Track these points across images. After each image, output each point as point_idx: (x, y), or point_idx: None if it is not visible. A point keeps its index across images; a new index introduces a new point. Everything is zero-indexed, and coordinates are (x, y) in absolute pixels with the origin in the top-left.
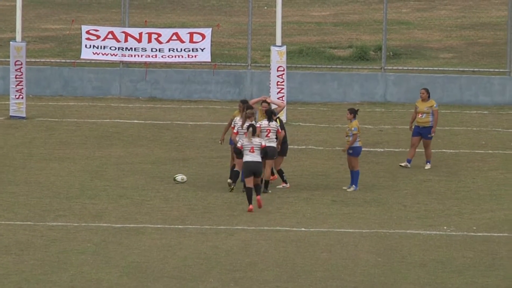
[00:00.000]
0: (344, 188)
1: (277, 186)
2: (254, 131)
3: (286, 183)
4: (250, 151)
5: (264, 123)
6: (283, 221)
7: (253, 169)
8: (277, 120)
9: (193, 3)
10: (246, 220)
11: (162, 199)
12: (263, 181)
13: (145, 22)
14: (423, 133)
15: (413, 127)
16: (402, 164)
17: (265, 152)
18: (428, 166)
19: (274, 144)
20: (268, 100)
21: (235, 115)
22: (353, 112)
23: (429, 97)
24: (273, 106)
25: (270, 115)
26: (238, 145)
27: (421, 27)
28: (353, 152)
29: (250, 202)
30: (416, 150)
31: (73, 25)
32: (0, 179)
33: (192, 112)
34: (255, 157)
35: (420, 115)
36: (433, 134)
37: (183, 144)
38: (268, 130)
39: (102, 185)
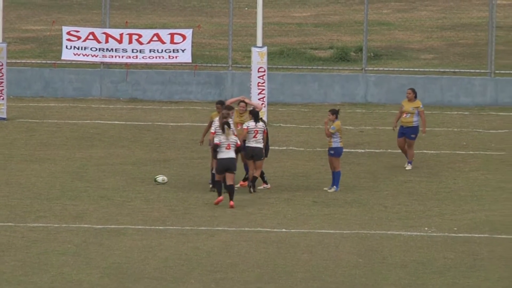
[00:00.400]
0: (325, 189)
1: (258, 187)
2: (228, 128)
3: (266, 183)
4: (226, 148)
5: (251, 124)
6: (264, 222)
7: (226, 166)
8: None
9: (173, 4)
10: (227, 221)
11: (143, 200)
12: (253, 178)
13: (125, 23)
14: (406, 133)
15: (397, 126)
16: (407, 167)
17: (247, 154)
18: (409, 167)
19: (261, 145)
20: (246, 101)
21: (213, 116)
22: (335, 113)
23: (415, 97)
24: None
25: (257, 115)
26: (216, 141)
27: (401, 28)
28: (335, 152)
29: (219, 194)
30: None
31: (53, 26)
32: None
33: (173, 113)
34: (230, 153)
35: (405, 115)
36: (424, 134)
37: (164, 145)
38: (255, 131)
39: (83, 186)
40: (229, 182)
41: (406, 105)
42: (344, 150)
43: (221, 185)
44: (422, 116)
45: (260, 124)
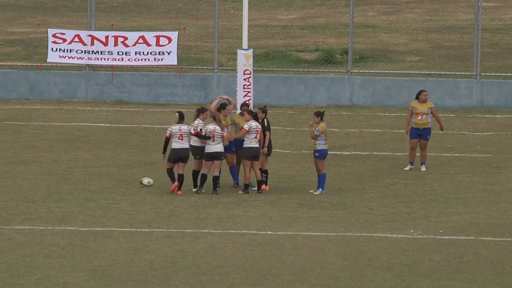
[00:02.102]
0: (310, 191)
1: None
2: (181, 118)
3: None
4: (179, 139)
5: (253, 124)
6: (250, 225)
7: (180, 156)
8: (265, 120)
9: (159, 6)
10: (212, 223)
11: (128, 203)
12: (257, 181)
13: (111, 25)
14: (422, 134)
15: (409, 130)
16: (406, 168)
17: (249, 154)
18: (423, 168)
19: (257, 145)
20: (224, 97)
21: (236, 118)
22: (320, 115)
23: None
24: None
25: (256, 116)
26: (167, 133)
27: (387, 31)
28: (319, 155)
29: (173, 181)
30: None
31: (39, 29)
32: None
33: (158, 116)
34: (183, 144)
35: (419, 117)
36: (442, 131)
37: (149, 148)
38: (256, 132)
39: (69, 189)
40: (179, 171)
41: (420, 107)
42: (329, 152)
43: (173, 172)
44: (436, 115)
45: (256, 123)
